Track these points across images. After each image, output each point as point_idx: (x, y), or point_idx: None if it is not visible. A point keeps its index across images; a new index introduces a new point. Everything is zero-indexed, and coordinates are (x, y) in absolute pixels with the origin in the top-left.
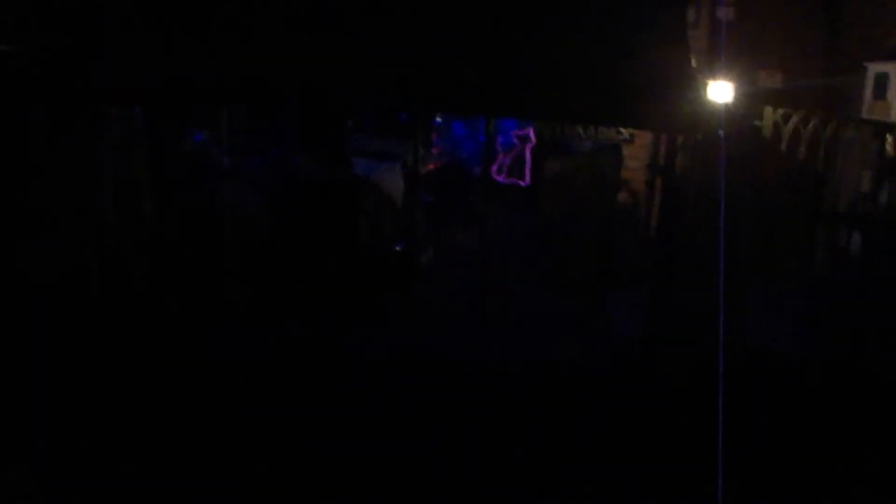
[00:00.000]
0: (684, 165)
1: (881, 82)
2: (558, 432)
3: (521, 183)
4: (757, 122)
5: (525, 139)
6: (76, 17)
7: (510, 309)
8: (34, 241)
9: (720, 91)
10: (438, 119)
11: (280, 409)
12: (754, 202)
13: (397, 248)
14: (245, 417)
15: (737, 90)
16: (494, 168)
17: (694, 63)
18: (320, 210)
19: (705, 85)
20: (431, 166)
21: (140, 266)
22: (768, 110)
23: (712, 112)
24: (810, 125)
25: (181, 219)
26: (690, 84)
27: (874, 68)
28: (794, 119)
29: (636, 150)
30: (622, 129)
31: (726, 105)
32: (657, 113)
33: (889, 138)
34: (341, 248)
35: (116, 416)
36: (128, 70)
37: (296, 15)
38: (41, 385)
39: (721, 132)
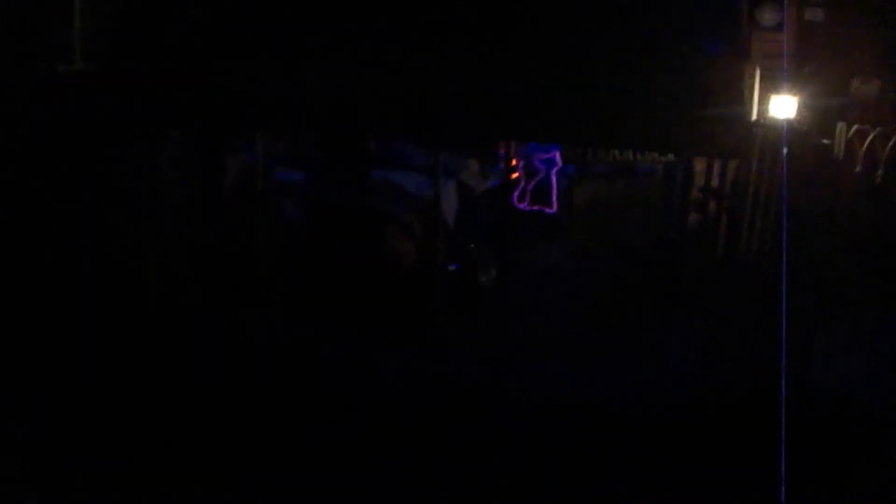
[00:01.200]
0: (746, 188)
1: None
2: (576, 478)
3: (548, 210)
4: (825, 141)
5: (550, 163)
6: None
7: (565, 339)
8: (95, 248)
9: (782, 106)
10: None
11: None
12: (824, 229)
13: (451, 269)
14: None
15: (817, 101)
16: (516, 195)
17: (757, 76)
18: (344, 235)
19: (767, 100)
20: (515, 175)
21: (189, 277)
22: (841, 127)
23: (759, 133)
24: (891, 143)
25: (227, 234)
26: (733, 106)
27: None
28: (871, 136)
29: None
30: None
31: (787, 122)
32: (692, 138)
33: None
34: (370, 270)
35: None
36: (192, 93)
37: (342, 47)
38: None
39: (784, 152)
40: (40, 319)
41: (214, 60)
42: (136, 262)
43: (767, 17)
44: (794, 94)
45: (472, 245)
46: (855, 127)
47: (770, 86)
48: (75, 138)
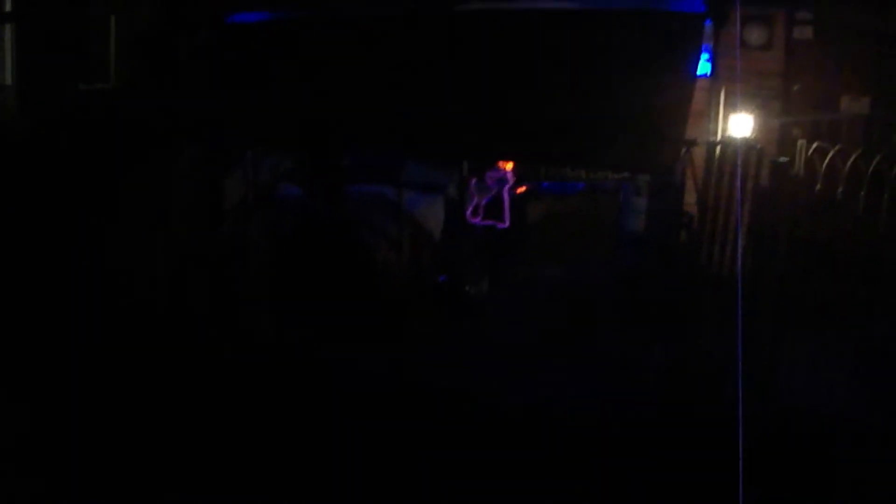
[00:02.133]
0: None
1: None
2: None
3: (500, 225)
4: (782, 159)
5: (502, 180)
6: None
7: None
8: (109, 256)
9: (740, 125)
10: None
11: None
12: (786, 245)
13: (441, 280)
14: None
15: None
16: (469, 210)
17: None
18: (331, 246)
19: (724, 118)
20: (521, 189)
21: (194, 281)
22: (801, 144)
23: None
24: (851, 160)
25: (227, 243)
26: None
27: None
28: (831, 153)
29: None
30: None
31: (745, 140)
32: (615, 154)
33: None
34: (357, 280)
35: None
36: (204, 111)
37: (339, 79)
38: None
39: (738, 169)
40: (59, 318)
41: (218, 82)
42: (149, 266)
43: (755, 36)
44: (751, 113)
45: (459, 256)
46: (816, 144)
47: (762, 104)
48: (99, 152)
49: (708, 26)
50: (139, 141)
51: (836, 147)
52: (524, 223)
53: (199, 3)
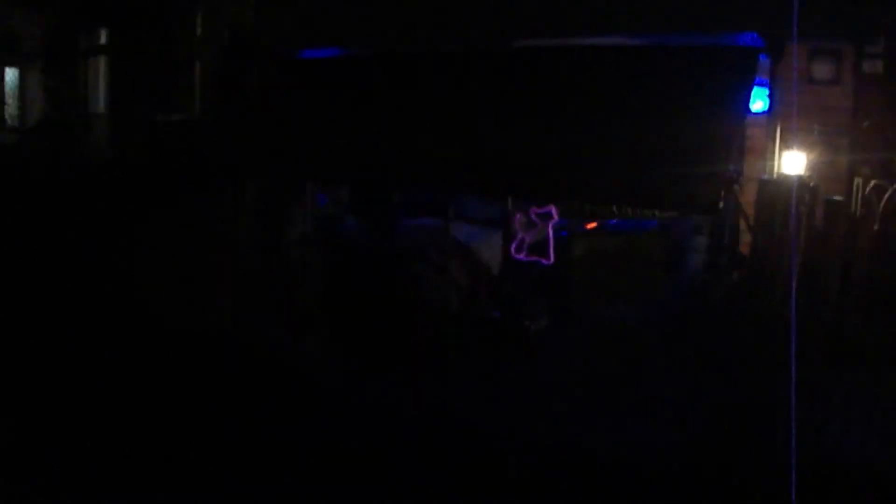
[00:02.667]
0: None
1: None
2: None
3: (545, 261)
4: (837, 197)
5: (546, 216)
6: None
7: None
8: (174, 276)
9: (793, 162)
10: None
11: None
12: (839, 287)
13: (496, 315)
14: None
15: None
16: (514, 246)
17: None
18: (384, 279)
19: (777, 156)
20: (592, 225)
21: (254, 307)
22: (857, 182)
23: (718, 187)
24: None
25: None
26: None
27: None
28: (889, 192)
29: None
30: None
31: (798, 178)
32: (663, 193)
33: None
34: (409, 313)
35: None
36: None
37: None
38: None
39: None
40: (130, 335)
41: (285, 117)
42: (213, 290)
43: (822, 70)
44: (807, 150)
45: (517, 292)
46: (872, 182)
47: (827, 141)
48: (174, 179)
49: (765, 61)
50: (209, 170)
51: (895, 185)
52: (579, 260)
53: (268, 40)
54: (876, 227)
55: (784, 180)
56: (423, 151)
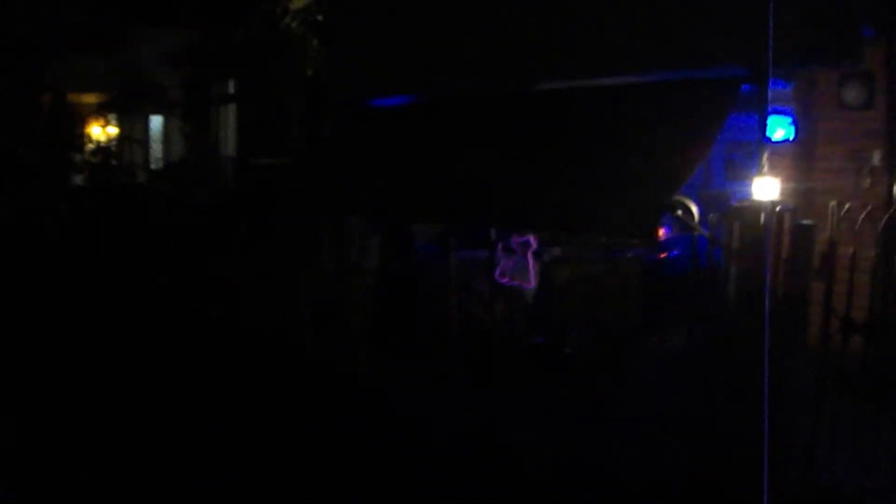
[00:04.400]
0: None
1: None
2: None
3: (526, 286)
4: (807, 221)
5: (526, 245)
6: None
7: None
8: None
9: (765, 188)
10: None
11: None
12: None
13: (537, 342)
14: None
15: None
16: (497, 272)
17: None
18: (430, 307)
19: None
20: (663, 256)
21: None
22: (832, 207)
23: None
24: (883, 222)
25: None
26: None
27: None
28: (862, 215)
29: None
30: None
31: (772, 202)
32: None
33: None
34: (452, 339)
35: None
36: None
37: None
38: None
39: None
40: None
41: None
42: (298, 310)
43: (853, 94)
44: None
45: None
46: (846, 205)
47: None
48: (266, 217)
49: (788, 90)
50: (298, 208)
51: (867, 209)
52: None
53: (342, 88)
54: (851, 250)
55: (757, 206)
56: (476, 190)
